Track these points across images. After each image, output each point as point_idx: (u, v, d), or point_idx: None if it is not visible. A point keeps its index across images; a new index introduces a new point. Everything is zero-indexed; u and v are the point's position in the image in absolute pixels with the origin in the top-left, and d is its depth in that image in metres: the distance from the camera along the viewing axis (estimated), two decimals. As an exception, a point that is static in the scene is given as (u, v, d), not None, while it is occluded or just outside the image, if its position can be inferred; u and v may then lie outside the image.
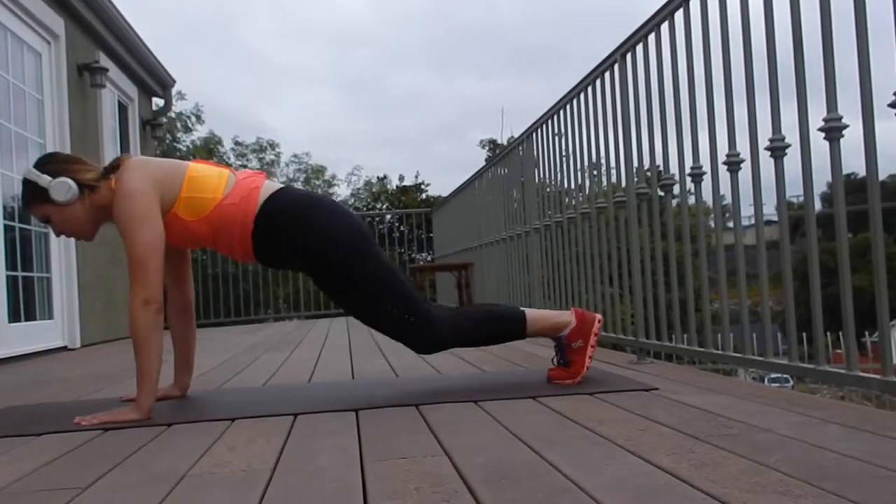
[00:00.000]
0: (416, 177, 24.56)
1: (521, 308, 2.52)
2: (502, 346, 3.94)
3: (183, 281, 2.56)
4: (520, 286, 5.28)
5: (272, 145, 28.93)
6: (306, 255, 2.34)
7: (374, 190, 25.78)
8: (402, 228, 10.91)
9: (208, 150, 26.35)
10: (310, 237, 2.31)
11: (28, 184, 2.28)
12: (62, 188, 2.25)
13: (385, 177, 26.26)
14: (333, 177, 29.34)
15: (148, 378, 2.17)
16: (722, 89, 2.49)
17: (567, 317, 2.47)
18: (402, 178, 24.73)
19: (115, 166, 2.32)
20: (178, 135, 26.25)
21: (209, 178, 2.32)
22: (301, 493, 1.35)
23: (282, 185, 2.42)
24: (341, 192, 28.45)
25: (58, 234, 2.39)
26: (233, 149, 28.68)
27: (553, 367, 2.52)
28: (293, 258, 2.37)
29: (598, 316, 2.49)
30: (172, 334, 2.59)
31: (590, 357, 2.45)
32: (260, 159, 28.83)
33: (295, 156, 29.49)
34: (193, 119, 26.67)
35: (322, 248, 2.32)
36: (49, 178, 2.25)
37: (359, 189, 27.38)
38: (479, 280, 6.71)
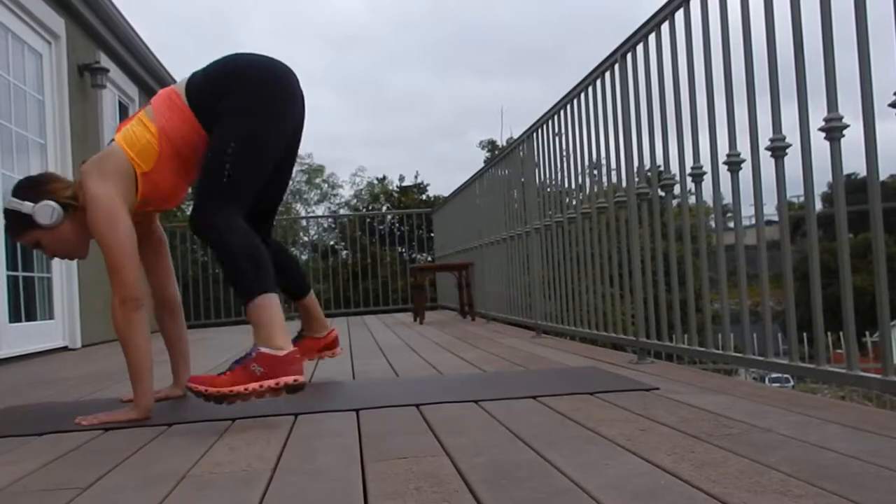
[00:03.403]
0: (416, 177, 24.58)
1: (270, 294, 2.16)
2: (503, 346, 3.95)
3: (165, 279, 2.55)
4: (520, 286, 5.28)
5: None
6: (225, 96, 2.28)
7: (374, 191, 25.84)
8: (402, 228, 10.91)
9: None
10: (232, 84, 2.28)
11: (10, 213, 2.25)
12: (46, 211, 2.22)
13: (385, 177, 26.31)
14: (331, 175, 29.44)
15: (141, 377, 2.16)
16: (722, 89, 2.49)
17: (285, 344, 2.10)
18: (402, 179, 24.76)
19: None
20: None
21: (134, 127, 2.30)
22: (301, 493, 1.35)
23: (193, 73, 2.39)
24: (344, 192, 28.56)
25: (51, 257, 2.37)
26: None
27: (212, 376, 2.12)
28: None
29: (299, 378, 2.08)
30: (163, 334, 2.58)
31: (249, 391, 2.03)
32: None
33: (299, 156, 29.59)
34: None
35: (237, 89, 2.28)
36: (31, 204, 2.22)
37: (360, 190, 27.45)
38: (480, 280, 6.71)
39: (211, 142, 2.27)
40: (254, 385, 2.03)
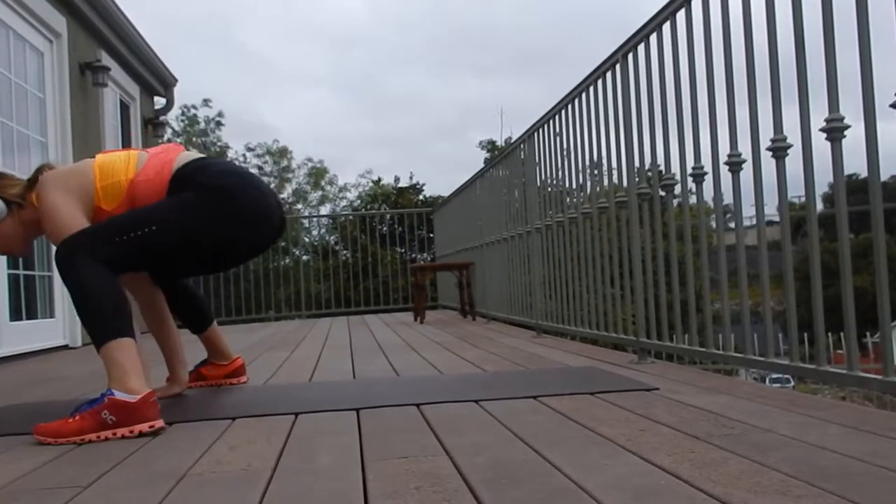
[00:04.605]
0: (411, 178, 24.56)
1: (128, 338, 2.06)
2: (503, 346, 3.94)
3: (142, 281, 2.53)
4: (521, 286, 5.28)
5: (283, 152, 29.50)
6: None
7: (373, 192, 25.92)
8: (400, 228, 10.92)
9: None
10: (205, 198, 2.24)
11: None
12: None
13: (380, 179, 26.39)
14: (334, 177, 29.68)
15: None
16: (723, 89, 2.49)
17: (139, 387, 1.99)
18: (397, 180, 24.76)
19: (35, 178, 2.30)
20: (204, 140, 27.13)
21: (117, 161, 2.30)
22: (301, 493, 1.35)
23: (199, 156, 2.37)
24: (350, 195, 28.79)
25: None
26: (244, 154, 29.18)
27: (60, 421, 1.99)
28: None
29: (159, 424, 1.99)
30: (153, 335, 2.58)
31: (100, 438, 1.93)
32: (276, 163, 29.47)
33: (309, 159, 30.05)
34: (216, 125, 27.55)
35: (203, 207, 2.22)
36: None
37: (365, 191, 27.54)
38: (480, 279, 6.71)
39: (149, 205, 2.23)
40: (107, 433, 1.94)
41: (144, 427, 1.96)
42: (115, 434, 1.95)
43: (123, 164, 2.29)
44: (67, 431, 1.94)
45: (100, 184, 2.26)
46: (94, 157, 2.36)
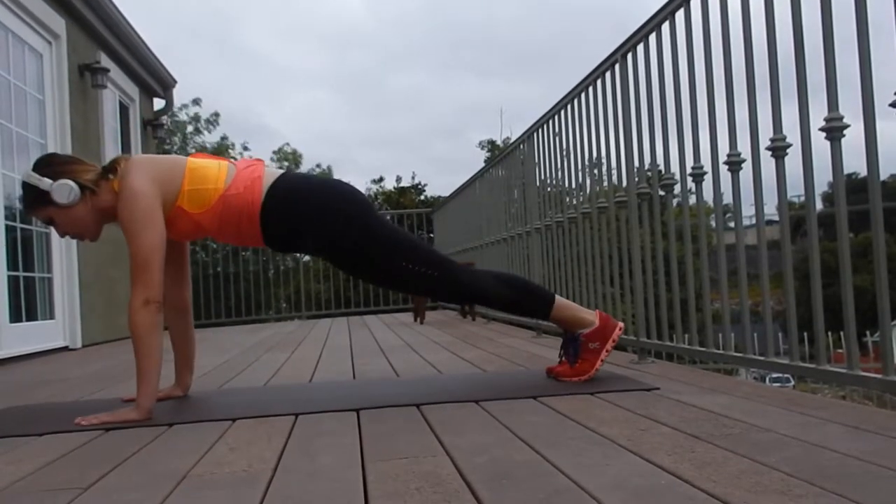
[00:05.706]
0: (413, 178, 24.59)
1: (553, 295, 2.54)
2: (503, 346, 3.95)
3: (182, 281, 2.57)
4: (521, 286, 5.27)
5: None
6: (317, 235, 2.37)
7: (374, 193, 26.01)
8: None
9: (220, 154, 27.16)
10: (319, 217, 2.35)
11: (28, 187, 2.28)
12: (64, 190, 2.25)
13: (382, 178, 26.42)
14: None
15: (148, 378, 2.17)
16: (723, 89, 2.49)
17: (591, 316, 2.49)
18: (399, 180, 24.78)
19: (112, 167, 2.32)
20: (196, 138, 27.27)
21: (209, 169, 2.33)
22: (302, 493, 1.35)
23: (281, 171, 2.44)
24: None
25: (62, 236, 2.39)
26: (241, 154, 29.34)
27: (557, 364, 2.53)
28: (304, 240, 2.41)
29: (621, 325, 2.51)
30: (171, 335, 2.59)
31: (601, 361, 2.46)
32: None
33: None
34: (208, 124, 27.65)
35: (333, 225, 2.35)
36: (50, 181, 2.24)
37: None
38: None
39: (371, 273, 2.47)
40: (603, 356, 2.47)
41: (617, 334, 2.47)
42: (607, 353, 2.46)
43: (214, 172, 2.33)
44: (578, 371, 2.44)
45: (188, 187, 2.28)
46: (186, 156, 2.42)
